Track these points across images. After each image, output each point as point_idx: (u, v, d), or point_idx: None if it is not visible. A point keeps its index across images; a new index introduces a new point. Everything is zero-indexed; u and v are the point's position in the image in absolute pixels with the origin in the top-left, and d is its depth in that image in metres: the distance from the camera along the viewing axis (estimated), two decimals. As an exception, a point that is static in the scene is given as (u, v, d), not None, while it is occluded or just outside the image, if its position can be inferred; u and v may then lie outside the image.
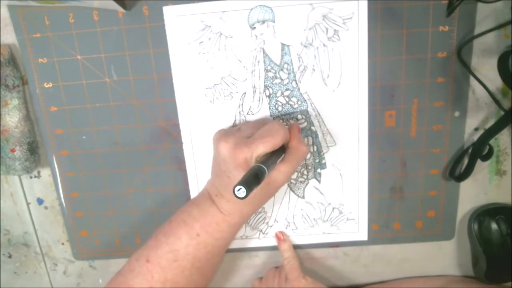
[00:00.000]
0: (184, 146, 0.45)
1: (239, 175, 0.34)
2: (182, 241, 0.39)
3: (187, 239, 0.39)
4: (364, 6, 0.40)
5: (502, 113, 0.40)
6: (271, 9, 0.40)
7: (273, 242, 0.48)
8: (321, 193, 0.46)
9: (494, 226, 0.45)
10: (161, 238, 0.40)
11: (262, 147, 0.35)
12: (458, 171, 0.45)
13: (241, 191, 0.30)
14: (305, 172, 0.45)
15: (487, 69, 0.42)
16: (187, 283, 0.39)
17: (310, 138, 0.44)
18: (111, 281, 0.41)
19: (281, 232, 0.47)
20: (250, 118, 0.43)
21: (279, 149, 0.37)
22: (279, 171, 0.38)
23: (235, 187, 0.30)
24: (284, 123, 0.43)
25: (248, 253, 0.49)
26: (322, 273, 0.50)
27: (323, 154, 0.44)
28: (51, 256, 0.51)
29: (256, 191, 0.32)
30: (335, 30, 0.41)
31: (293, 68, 0.42)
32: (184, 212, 0.41)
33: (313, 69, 0.42)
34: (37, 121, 0.45)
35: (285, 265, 0.46)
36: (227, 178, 0.38)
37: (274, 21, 0.40)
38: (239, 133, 0.39)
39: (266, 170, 0.33)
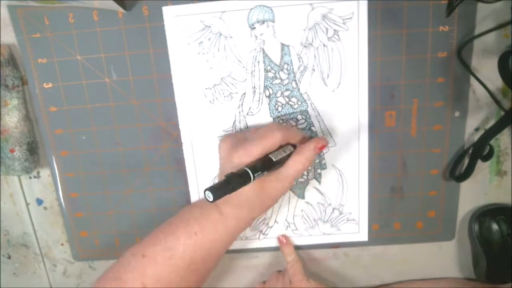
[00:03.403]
0: (184, 146, 0.45)
1: None
2: (180, 241, 0.39)
3: (185, 238, 0.39)
4: (364, 6, 0.40)
5: (502, 113, 0.40)
6: (271, 9, 0.40)
7: (273, 243, 0.48)
8: (321, 193, 0.46)
9: (494, 226, 0.45)
10: (159, 235, 0.40)
11: (255, 149, 0.35)
12: (458, 171, 0.45)
13: (210, 195, 0.30)
14: (305, 173, 0.45)
15: (487, 69, 0.41)
16: (181, 282, 0.39)
17: (310, 138, 0.44)
18: (104, 273, 0.40)
19: (284, 236, 0.47)
20: (250, 118, 0.43)
21: (284, 154, 0.37)
22: (277, 178, 0.37)
23: (205, 190, 0.31)
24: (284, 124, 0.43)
25: (248, 254, 0.49)
26: (323, 274, 0.50)
27: (323, 154, 0.44)
28: (50, 256, 0.51)
29: (250, 194, 0.32)
30: (335, 30, 0.40)
31: (293, 68, 0.42)
32: (187, 212, 0.41)
33: (313, 69, 0.42)
34: (36, 121, 0.45)
35: (288, 268, 0.45)
36: None
37: (274, 21, 0.40)
38: (240, 134, 0.39)
39: (252, 174, 0.33)
